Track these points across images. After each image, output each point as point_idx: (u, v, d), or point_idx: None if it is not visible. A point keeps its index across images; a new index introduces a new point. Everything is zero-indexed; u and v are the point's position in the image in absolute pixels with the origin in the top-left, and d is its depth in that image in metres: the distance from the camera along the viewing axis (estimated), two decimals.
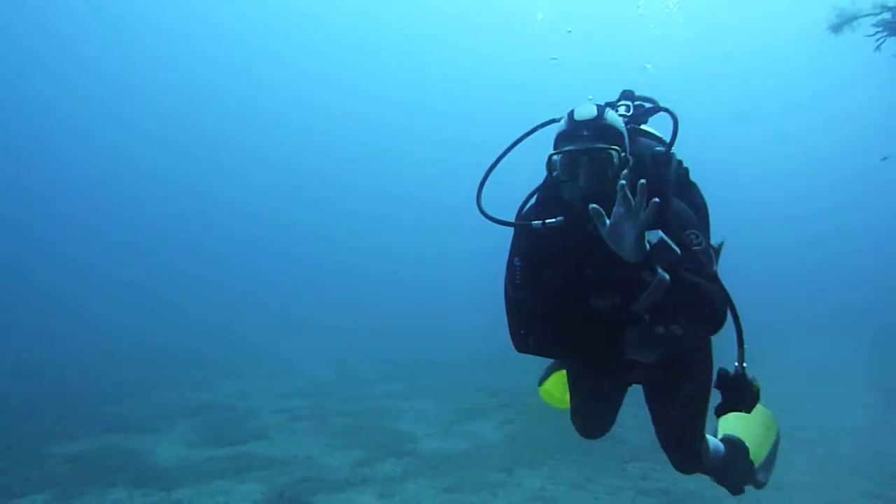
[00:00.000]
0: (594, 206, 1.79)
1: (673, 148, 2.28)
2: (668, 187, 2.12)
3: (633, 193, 1.76)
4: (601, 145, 2.00)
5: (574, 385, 2.73)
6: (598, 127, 2.04)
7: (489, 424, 7.55)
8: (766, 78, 39.16)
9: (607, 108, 2.11)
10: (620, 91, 2.60)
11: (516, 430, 7.23)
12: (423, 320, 20.93)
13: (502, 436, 7.01)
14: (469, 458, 6.15)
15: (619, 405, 2.75)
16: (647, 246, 1.80)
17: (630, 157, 2.08)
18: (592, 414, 2.75)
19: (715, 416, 2.35)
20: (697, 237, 2.05)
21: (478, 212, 2.27)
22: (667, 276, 1.82)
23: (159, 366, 12.65)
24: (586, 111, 2.07)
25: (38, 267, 29.74)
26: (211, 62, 43.13)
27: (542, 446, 6.36)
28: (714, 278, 2.02)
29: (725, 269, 2.25)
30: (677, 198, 2.18)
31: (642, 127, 2.45)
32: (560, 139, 2.11)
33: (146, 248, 35.18)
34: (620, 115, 2.34)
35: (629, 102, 2.53)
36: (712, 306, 1.97)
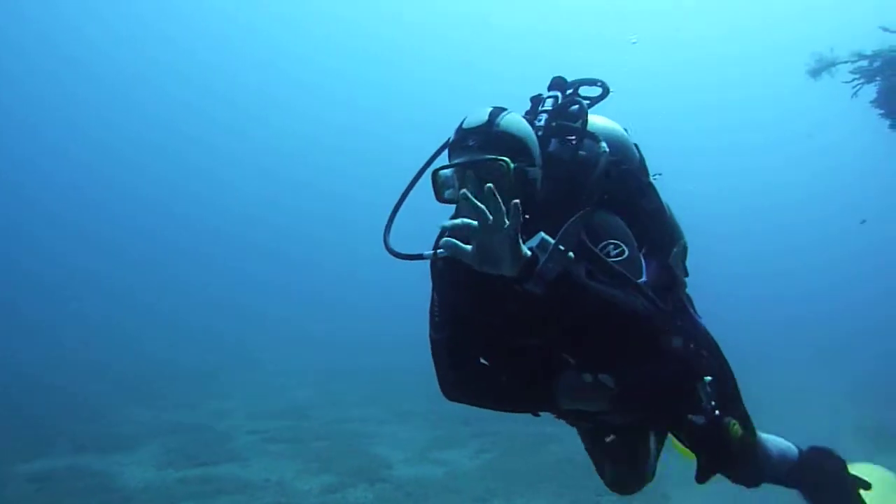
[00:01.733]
0: (446, 238, 1.49)
1: (605, 150, 1.84)
2: (584, 197, 1.76)
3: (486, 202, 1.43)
4: (486, 156, 1.66)
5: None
6: (486, 134, 1.70)
7: (465, 453, 7.48)
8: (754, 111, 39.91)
9: (505, 113, 1.76)
10: (552, 78, 2.11)
11: (493, 459, 7.17)
12: (412, 328, 20.52)
13: (478, 465, 6.95)
14: (444, 486, 6.08)
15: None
16: (528, 253, 1.50)
17: (529, 169, 1.73)
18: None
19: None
20: (617, 247, 1.70)
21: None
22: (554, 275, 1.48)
23: (140, 377, 12.38)
24: (476, 117, 1.74)
25: (28, 268, 29.31)
26: (210, 67, 43.01)
27: (519, 477, 6.31)
28: (638, 288, 1.63)
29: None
30: (615, 206, 1.83)
31: (592, 122, 1.95)
32: (449, 152, 1.80)
33: (139, 252, 34.83)
34: (544, 112, 1.99)
35: (558, 94, 2.06)
36: (633, 320, 1.59)
